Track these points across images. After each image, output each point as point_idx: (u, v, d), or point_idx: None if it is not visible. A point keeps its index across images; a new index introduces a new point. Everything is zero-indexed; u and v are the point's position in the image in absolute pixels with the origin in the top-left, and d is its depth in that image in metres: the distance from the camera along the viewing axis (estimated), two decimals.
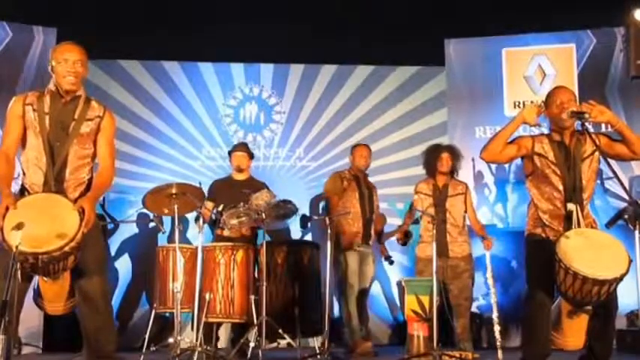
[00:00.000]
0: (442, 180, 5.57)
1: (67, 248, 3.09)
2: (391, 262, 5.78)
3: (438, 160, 5.55)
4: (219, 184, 5.70)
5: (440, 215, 5.39)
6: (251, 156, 5.77)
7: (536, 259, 3.62)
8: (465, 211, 5.55)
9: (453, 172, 5.62)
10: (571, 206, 3.56)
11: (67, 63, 3.39)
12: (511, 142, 3.66)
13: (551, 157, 3.61)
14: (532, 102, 6.63)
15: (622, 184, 3.56)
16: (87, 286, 3.40)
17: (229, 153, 5.83)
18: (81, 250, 3.23)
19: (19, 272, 2.92)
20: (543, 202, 3.65)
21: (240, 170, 5.69)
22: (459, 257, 5.43)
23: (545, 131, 3.79)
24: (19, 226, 2.97)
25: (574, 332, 3.60)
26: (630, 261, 3.33)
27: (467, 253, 5.48)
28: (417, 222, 5.70)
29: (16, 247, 2.93)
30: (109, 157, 3.52)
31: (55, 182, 3.35)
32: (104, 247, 3.66)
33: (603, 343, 3.59)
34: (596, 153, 3.59)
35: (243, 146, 5.80)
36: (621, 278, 3.30)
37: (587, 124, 3.52)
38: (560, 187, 3.59)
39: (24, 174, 3.45)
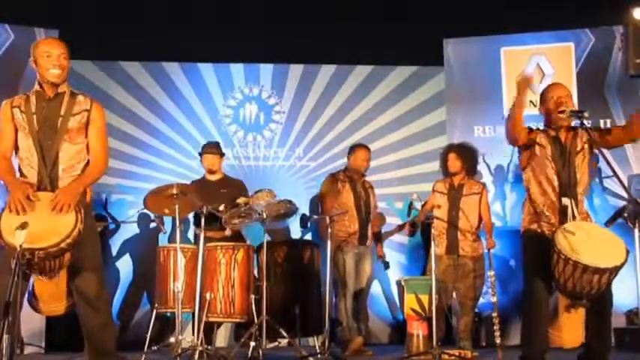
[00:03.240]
0: (457, 179, 5.58)
1: (63, 245, 3.11)
2: (387, 267, 5.81)
3: (446, 160, 5.59)
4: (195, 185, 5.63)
5: (453, 214, 5.42)
6: (222, 155, 5.72)
7: (534, 254, 3.65)
8: (480, 212, 5.54)
9: (467, 170, 5.62)
10: (566, 201, 3.61)
11: (52, 56, 3.40)
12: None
13: (549, 152, 3.66)
14: (530, 101, 6.65)
15: (621, 182, 3.61)
16: (83, 285, 3.42)
17: (200, 154, 5.74)
18: (76, 249, 3.24)
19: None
20: (539, 195, 3.70)
21: (212, 172, 5.66)
22: (469, 256, 5.44)
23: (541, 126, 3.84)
24: (23, 226, 2.99)
25: (571, 328, 3.63)
26: (628, 251, 3.40)
27: (477, 253, 5.47)
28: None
29: (20, 245, 2.95)
30: (100, 149, 3.50)
31: (48, 180, 3.37)
32: (100, 247, 3.65)
33: (600, 340, 3.62)
34: (587, 145, 3.66)
35: (214, 147, 5.70)
36: (620, 267, 3.36)
37: (585, 121, 3.55)
38: (556, 182, 3.64)
39: (20, 175, 3.47)
